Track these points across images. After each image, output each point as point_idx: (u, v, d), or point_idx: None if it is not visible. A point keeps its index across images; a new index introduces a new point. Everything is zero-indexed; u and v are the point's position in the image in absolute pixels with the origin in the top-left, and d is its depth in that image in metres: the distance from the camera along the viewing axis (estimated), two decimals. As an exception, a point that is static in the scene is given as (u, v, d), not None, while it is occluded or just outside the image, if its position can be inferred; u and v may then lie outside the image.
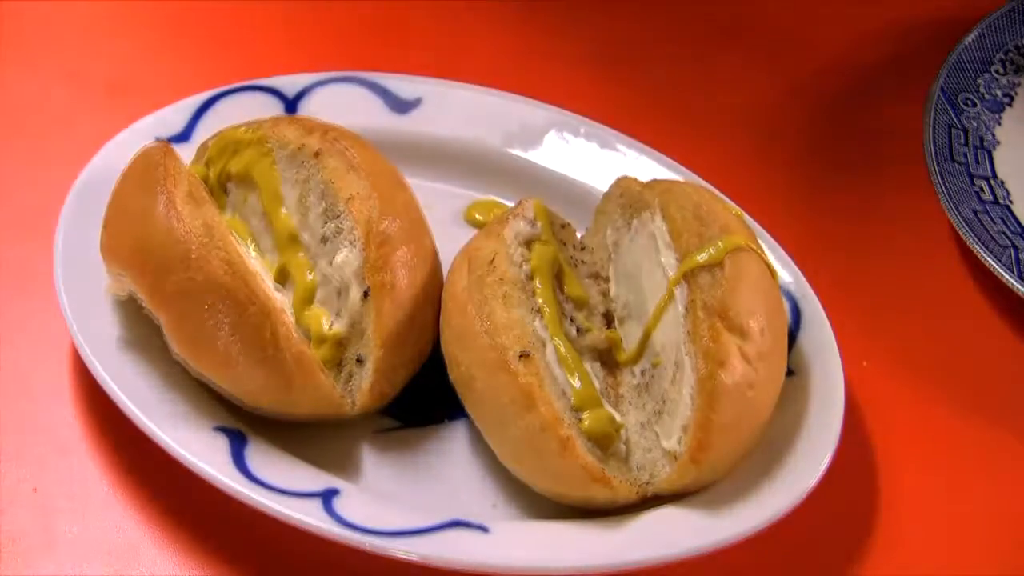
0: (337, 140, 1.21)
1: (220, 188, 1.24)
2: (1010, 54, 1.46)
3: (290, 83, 1.35)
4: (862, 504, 1.18)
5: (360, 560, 1.08)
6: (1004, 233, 1.30)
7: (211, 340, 1.12)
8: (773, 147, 1.43)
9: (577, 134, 1.36)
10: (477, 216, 1.32)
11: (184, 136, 1.30)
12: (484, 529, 1.10)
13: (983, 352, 1.30)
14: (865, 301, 1.32)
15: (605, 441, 1.12)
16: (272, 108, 1.33)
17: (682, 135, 1.40)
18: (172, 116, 1.31)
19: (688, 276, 1.14)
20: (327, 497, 1.10)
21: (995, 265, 1.27)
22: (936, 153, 1.35)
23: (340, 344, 1.16)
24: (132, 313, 1.17)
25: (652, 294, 1.18)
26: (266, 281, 1.17)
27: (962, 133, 1.38)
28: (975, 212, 1.31)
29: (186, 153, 1.25)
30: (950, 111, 1.39)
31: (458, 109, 1.36)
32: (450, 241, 1.23)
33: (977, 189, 1.34)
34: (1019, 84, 1.44)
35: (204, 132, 1.29)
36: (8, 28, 1.48)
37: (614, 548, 1.08)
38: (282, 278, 1.19)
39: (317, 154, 1.20)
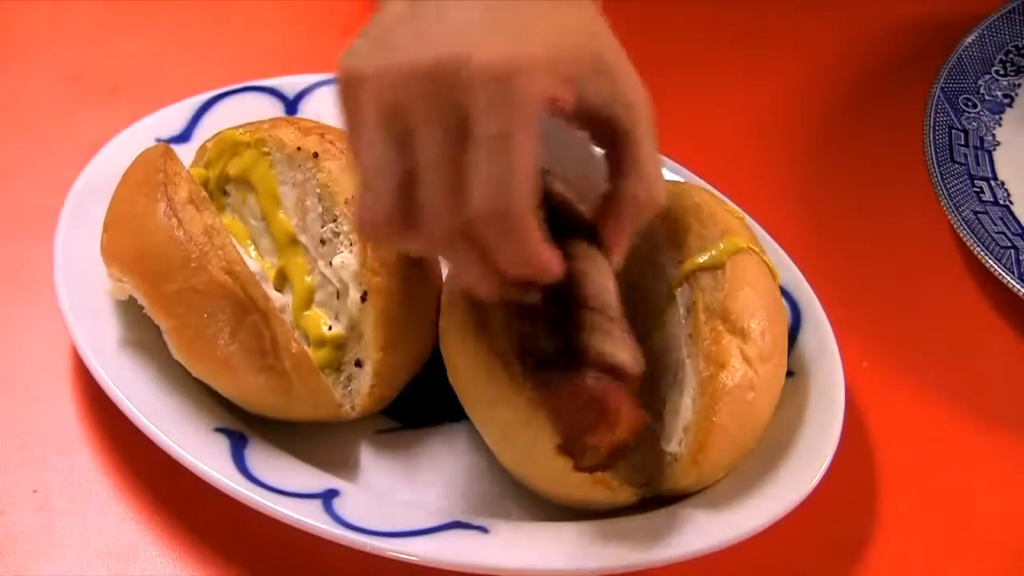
0: (335, 142, 1.21)
1: (219, 190, 1.24)
2: (1010, 55, 1.46)
3: (290, 84, 1.35)
4: (862, 504, 1.18)
5: (360, 560, 1.08)
6: (1004, 234, 1.30)
7: (211, 346, 1.12)
8: (773, 147, 1.43)
9: (577, 134, 1.35)
10: (477, 216, 1.32)
11: (184, 137, 1.30)
12: (484, 530, 1.10)
13: (983, 353, 1.30)
14: (865, 302, 1.31)
15: (605, 442, 1.12)
16: (273, 109, 1.33)
17: (682, 135, 1.40)
18: (172, 117, 1.31)
19: (689, 278, 1.15)
20: (327, 497, 1.10)
21: (995, 266, 1.27)
22: (936, 154, 1.35)
23: (339, 347, 1.16)
24: (132, 314, 1.17)
25: (653, 296, 1.18)
26: (266, 284, 1.17)
27: (962, 134, 1.38)
28: (975, 213, 1.31)
29: (186, 154, 1.25)
30: (950, 112, 1.39)
31: (458, 109, 1.35)
32: (450, 242, 1.23)
33: (977, 190, 1.34)
34: (1020, 85, 1.44)
35: (204, 133, 1.28)
36: (8, 28, 1.48)
37: (615, 549, 1.08)
38: (281, 280, 1.19)
39: (315, 156, 1.20)
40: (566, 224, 1.07)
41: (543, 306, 1.06)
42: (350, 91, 1.01)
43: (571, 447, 1.06)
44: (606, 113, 1.04)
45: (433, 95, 0.96)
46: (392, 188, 0.98)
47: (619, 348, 1.06)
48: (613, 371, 1.06)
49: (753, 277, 1.15)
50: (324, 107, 1.33)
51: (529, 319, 1.08)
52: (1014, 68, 1.45)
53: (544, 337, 1.06)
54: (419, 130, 0.96)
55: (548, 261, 1.00)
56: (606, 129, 1.05)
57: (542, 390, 1.07)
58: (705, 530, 1.10)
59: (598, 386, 1.04)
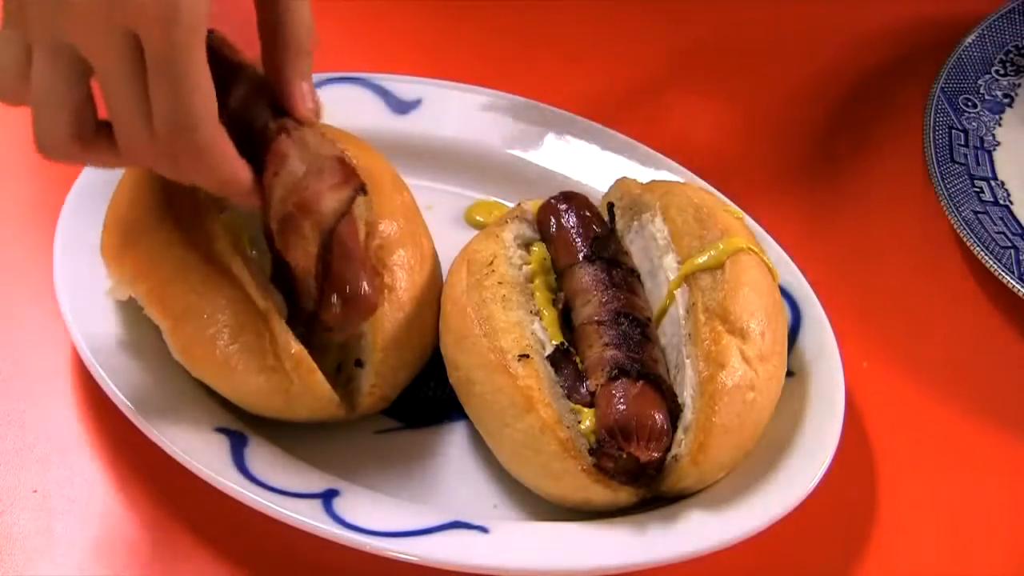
0: (335, 141, 1.21)
1: (220, 190, 1.24)
2: (1010, 55, 1.46)
3: (290, 83, 1.35)
4: (862, 504, 1.18)
5: (360, 560, 1.08)
6: (1004, 234, 1.30)
7: (211, 347, 1.12)
8: (774, 148, 1.43)
9: (577, 134, 1.36)
10: (477, 217, 1.32)
11: (184, 137, 1.30)
12: (484, 530, 1.10)
13: (983, 352, 1.30)
14: (865, 301, 1.32)
15: (605, 443, 1.12)
16: (272, 109, 1.32)
17: (682, 135, 1.40)
18: (172, 117, 1.31)
19: (689, 278, 1.15)
20: (327, 498, 1.10)
21: (995, 266, 1.27)
22: (936, 154, 1.35)
23: (339, 347, 1.16)
24: (132, 314, 1.17)
25: (653, 296, 1.18)
26: (265, 284, 1.16)
27: (962, 134, 1.38)
28: (975, 213, 1.31)
29: (186, 154, 1.25)
30: (950, 112, 1.39)
31: (458, 109, 1.36)
32: (450, 242, 1.23)
33: (977, 190, 1.34)
34: (1019, 85, 1.44)
35: (204, 133, 1.28)
36: (8, 28, 1.47)
37: (614, 549, 1.08)
38: (281, 280, 1.19)
39: (316, 156, 1.20)
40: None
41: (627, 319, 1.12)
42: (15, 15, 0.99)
43: (608, 450, 1.08)
44: None
45: (101, 21, 0.96)
46: (69, 114, 1.00)
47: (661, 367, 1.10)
48: (661, 389, 1.10)
49: (753, 277, 1.15)
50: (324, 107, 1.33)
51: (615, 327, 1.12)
52: (1014, 68, 1.45)
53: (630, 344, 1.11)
54: (94, 58, 0.97)
55: (241, 180, 1.04)
56: None
57: (604, 387, 1.09)
58: (705, 530, 1.10)
59: (658, 402, 1.08)
